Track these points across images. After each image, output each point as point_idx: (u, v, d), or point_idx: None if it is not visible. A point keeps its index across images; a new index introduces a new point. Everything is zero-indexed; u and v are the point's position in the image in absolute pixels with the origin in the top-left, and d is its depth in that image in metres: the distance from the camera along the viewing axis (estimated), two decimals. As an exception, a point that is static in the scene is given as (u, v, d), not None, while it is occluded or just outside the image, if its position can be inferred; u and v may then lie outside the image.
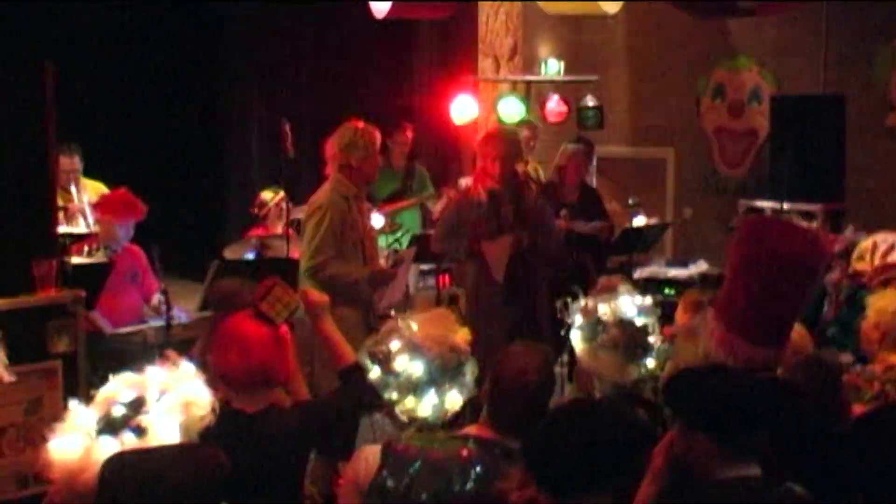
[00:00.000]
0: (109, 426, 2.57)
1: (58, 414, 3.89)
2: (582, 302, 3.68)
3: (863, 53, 8.35)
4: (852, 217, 7.40)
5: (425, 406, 3.18)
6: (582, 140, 8.24)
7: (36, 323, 3.73)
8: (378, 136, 5.49)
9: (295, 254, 5.94)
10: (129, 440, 2.56)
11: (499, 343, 4.45)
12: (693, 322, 3.89)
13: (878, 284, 4.91)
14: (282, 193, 6.94)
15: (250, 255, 6.58)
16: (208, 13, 10.52)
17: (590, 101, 8.86)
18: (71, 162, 6.70)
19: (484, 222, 5.81)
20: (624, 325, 3.58)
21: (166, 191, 8.99)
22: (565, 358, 5.98)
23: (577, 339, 3.67)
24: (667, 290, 7.49)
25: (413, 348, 3.19)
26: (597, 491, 2.61)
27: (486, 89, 9.31)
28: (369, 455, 3.13)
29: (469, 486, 2.97)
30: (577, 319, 3.68)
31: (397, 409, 3.23)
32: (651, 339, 3.61)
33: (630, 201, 8.04)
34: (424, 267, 7.62)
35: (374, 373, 3.24)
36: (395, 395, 3.22)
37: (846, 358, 4.52)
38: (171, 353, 2.74)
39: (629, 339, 3.57)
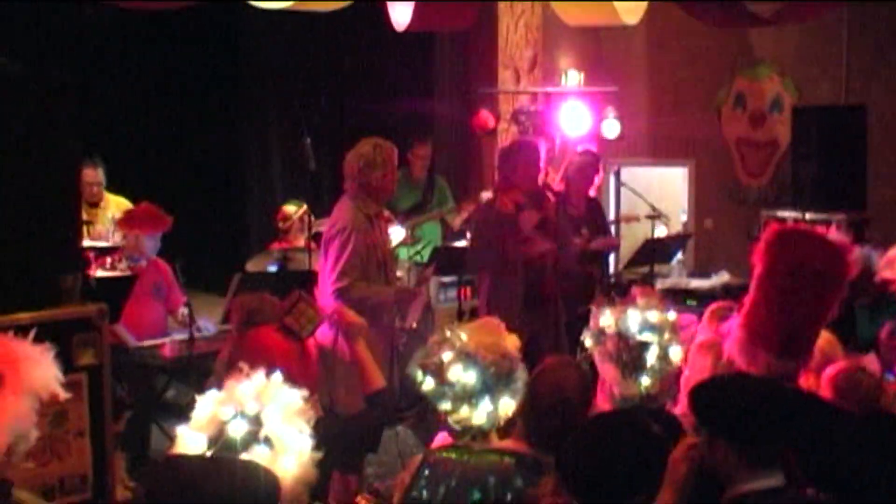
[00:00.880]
0: (229, 446, 2.53)
1: (83, 426, 3.93)
2: (608, 310, 3.64)
3: (885, 62, 8.32)
4: (874, 227, 7.36)
5: (480, 414, 3.18)
6: (588, 153, 8.21)
7: (61, 336, 3.75)
8: (395, 151, 5.50)
9: (317, 267, 5.97)
10: (262, 454, 2.53)
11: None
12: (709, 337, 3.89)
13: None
14: (304, 207, 6.97)
15: (273, 268, 6.61)
16: (229, 28, 10.58)
17: (610, 113, 8.85)
18: (94, 174, 6.75)
19: (520, 232, 5.86)
20: (620, 338, 3.54)
21: (189, 205, 9.04)
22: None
23: (587, 344, 3.66)
24: (688, 301, 7.47)
25: (466, 357, 3.20)
26: (628, 502, 2.64)
27: (506, 101, 9.32)
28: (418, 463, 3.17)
29: (504, 499, 2.98)
30: (590, 326, 3.66)
31: (451, 419, 3.23)
32: (648, 356, 3.52)
33: (650, 212, 8.02)
34: (445, 280, 7.63)
35: (428, 385, 3.24)
36: (449, 406, 3.21)
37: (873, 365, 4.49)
38: (243, 364, 2.72)
39: (621, 354, 3.54)
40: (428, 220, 8.17)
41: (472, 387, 3.18)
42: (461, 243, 7.55)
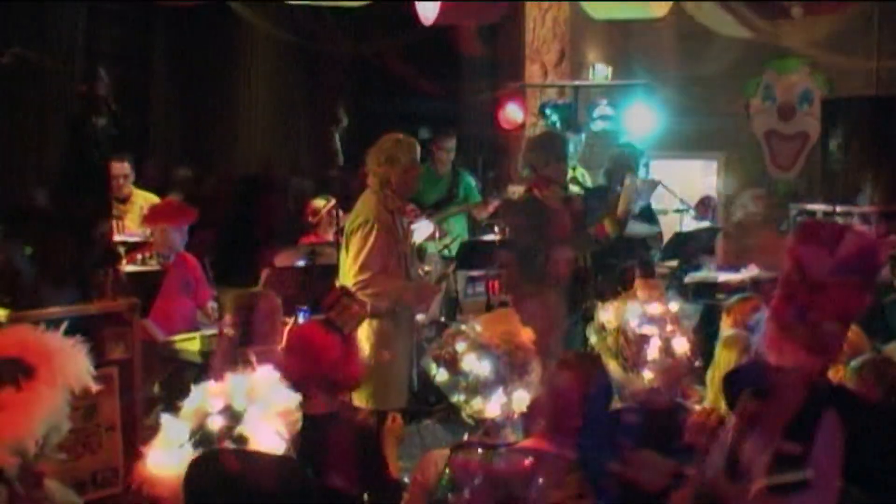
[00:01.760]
0: (207, 438, 2.58)
1: (114, 420, 3.97)
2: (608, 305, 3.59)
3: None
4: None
5: (493, 406, 3.18)
6: (628, 145, 8.19)
7: (93, 330, 3.79)
8: (417, 147, 5.50)
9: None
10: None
11: (555, 349, 4.44)
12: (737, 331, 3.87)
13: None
14: (333, 201, 6.99)
15: (301, 263, 6.63)
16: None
17: (638, 106, 8.80)
18: (121, 167, 6.78)
19: (554, 225, 5.84)
20: (619, 332, 3.49)
21: (217, 201, 9.07)
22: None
23: (591, 340, 3.61)
24: (718, 295, 7.43)
25: (480, 347, 3.20)
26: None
27: (532, 95, 9.30)
28: (438, 459, 3.16)
29: (529, 498, 2.98)
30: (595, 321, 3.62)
31: (464, 413, 3.23)
32: (649, 350, 3.44)
33: (680, 205, 7.99)
34: (474, 273, 7.62)
35: (441, 375, 3.24)
36: (462, 397, 3.22)
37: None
38: (249, 353, 2.75)
39: (619, 348, 3.49)
40: (454, 214, 8.17)
41: (485, 377, 3.18)
42: (489, 237, 7.54)
